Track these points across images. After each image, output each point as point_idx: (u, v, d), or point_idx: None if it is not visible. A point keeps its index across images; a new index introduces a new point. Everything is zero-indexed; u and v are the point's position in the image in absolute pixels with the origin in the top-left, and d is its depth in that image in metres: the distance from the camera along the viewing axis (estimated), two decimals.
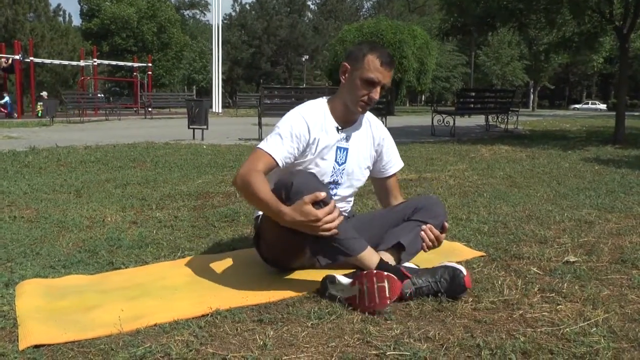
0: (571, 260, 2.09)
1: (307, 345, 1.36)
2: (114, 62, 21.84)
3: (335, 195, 1.98)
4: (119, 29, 24.16)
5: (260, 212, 1.95)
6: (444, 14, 10.16)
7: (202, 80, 28.11)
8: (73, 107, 15.07)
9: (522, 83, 35.97)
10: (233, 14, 46.72)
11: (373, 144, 2.04)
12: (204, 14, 50.68)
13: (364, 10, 57.80)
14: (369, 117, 2.06)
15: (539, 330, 1.46)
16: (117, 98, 19.48)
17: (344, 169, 1.98)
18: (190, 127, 8.23)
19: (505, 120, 11.56)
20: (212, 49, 22.38)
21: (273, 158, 1.81)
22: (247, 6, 47.63)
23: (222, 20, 22.42)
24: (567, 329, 1.45)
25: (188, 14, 39.17)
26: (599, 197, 3.50)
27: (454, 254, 2.21)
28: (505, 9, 7.71)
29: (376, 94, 1.86)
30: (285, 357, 1.28)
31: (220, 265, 2.07)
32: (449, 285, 1.65)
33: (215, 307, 1.58)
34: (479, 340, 1.37)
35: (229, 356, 1.29)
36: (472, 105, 11.44)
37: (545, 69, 34.88)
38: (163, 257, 2.22)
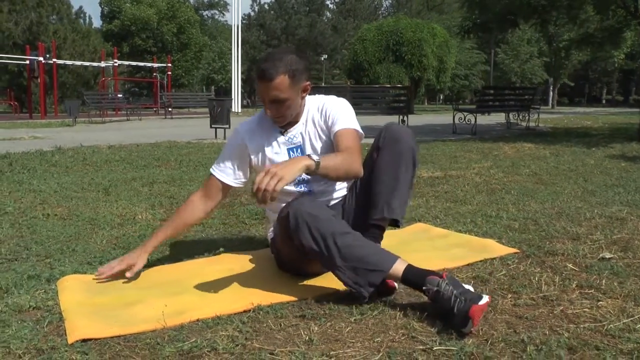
0: (607, 256, 2.07)
1: (353, 341, 1.36)
2: (134, 63, 22.12)
3: (311, 192, 1.93)
4: (139, 30, 24.47)
5: (271, 233, 1.99)
6: (465, 11, 10.08)
7: (221, 80, 28.32)
8: (95, 108, 15.27)
9: (542, 80, 35.51)
10: (252, 14, 46.87)
11: (320, 120, 1.92)
12: (223, 14, 51.03)
13: (382, 9, 57.55)
14: (309, 100, 1.94)
15: (581, 326, 1.45)
16: (137, 98, 19.69)
17: None
18: (213, 126, 8.29)
19: (527, 117, 11.44)
20: (231, 48, 22.52)
21: (217, 179, 1.96)
22: (266, 6, 47.71)
23: (241, 21, 22.49)
24: (611, 325, 1.44)
25: (207, 15, 39.47)
26: (629, 193, 3.45)
27: (486, 250, 2.20)
28: (528, 5, 7.62)
29: (268, 110, 1.80)
30: (332, 352, 1.29)
31: (256, 261, 2.09)
32: (463, 309, 1.39)
33: (256, 302, 1.60)
34: (523, 336, 1.37)
35: (276, 351, 1.31)
36: (492, 103, 11.35)
37: (565, 66, 34.40)
38: (197, 254, 2.24)
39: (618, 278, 1.83)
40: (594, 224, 2.64)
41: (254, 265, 2.06)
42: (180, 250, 2.33)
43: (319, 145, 1.92)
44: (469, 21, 9.49)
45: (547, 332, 1.41)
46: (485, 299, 1.42)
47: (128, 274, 1.88)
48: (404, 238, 2.45)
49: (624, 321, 1.47)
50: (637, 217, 2.75)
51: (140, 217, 2.98)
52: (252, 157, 1.96)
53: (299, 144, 1.92)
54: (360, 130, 1.87)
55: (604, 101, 47.99)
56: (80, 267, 2.06)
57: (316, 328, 1.44)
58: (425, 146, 6.65)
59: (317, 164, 1.56)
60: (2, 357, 1.32)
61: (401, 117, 9.62)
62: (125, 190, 3.80)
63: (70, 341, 1.39)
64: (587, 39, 8.25)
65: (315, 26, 48.06)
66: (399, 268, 1.56)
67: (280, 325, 1.48)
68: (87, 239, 2.50)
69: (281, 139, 1.92)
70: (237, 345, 1.35)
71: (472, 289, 1.51)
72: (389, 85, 18.46)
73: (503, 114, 12.09)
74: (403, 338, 1.38)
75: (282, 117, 1.84)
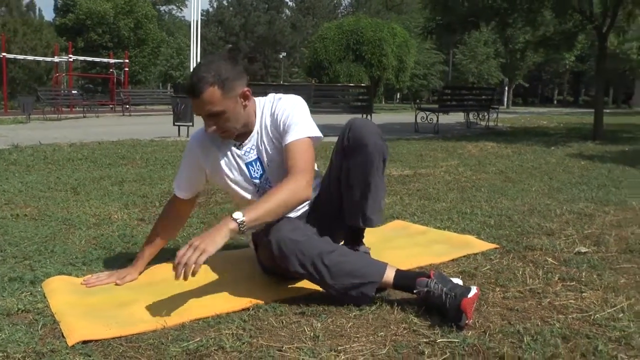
0: (582, 250, 2.17)
1: (357, 335, 1.39)
2: (89, 59, 21.44)
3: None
4: (95, 24, 23.73)
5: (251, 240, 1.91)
6: (427, 12, 10.27)
7: (179, 77, 27.83)
8: (49, 105, 14.77)
9: (498, 81, 36.53)
10: (210, 10, 46.29)
11: (273, 128, 1.78)
12: (181, 9, 50.17)
13: (342, 7, 57.85)
14: (262, 102, 1.82)
15: (570, 316, 1.52)
16: (91, 95, 19.07)
17: (267, 177, 1.81)
18: (176, 124, 8.17)
19: (486, 117, 11.76)
20: (189, 45, 22.13)
21: (175, 192, 1.94)
22: (225, 2, 47.21)
23: (196, 16, 22.14)
24: (597, 315, 1.52)
25: (164, 10, 38.63)
26: (592, 191, 3.62)
27: (468, 246, 2.27)
28: (490, 8, 7.85)
29: (207, 127, 1.70)
30: (340, 347, 1.32)
31: (245, 260, 2.09)
32: (455, 304, 1.45)
33: (255, 301, 1.61)
34: (518, 327, 1.43)
35: (284, 348, 1.32)
36: (454, 102, 11.61)
37: (520, 67, 35.49)
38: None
39: (596, 271, 1.92)
40: (564, 219, 2.75)
41: (244, 263, 2.05)
42: (165, 250, 2.29)
43: (277, 156, 1.77)
44: (432, 22, 9.67)
45: (540, 323, 1.47)
46: (474, 290, 1.47)
47: (119, 282, 1.85)
48: (385, 235, 2.49)
49: (608, 311, 1.55)
50: (603, 213, 2.89)
51: (115, 216, 2.92)
52: (208, 171, 1.87)
53: (255, 158, 1.80)
54: (316, 134, 1.73)
55: (555, 101, 49.76)
56: (64, 268, 2.01)
57: (319, 325, 1.46)
58: (391, 144, 6.75)
59: (242, 223, 1.47)
60: (4, 356, 1.28)
61: (364, 116, 9.72)
62: (94, 190, 3.71)
63: (70, 343, 1.37)
64: (545, 42, 8.57)
65: (274, 24, 47.93)
66: (389, 275, 1.57)
67: (282, 322, 1.49)
68: (64, 240, 2.44)
69: (237, 151, 1.81)
70: (244, 343, 1.35)
71: (460, 282, 1.57)
72: (351, 85, 18.59)
73: (462, 114, 12.39)
74: (405, 332, 1.42)
75: (226, 132, 1.72)
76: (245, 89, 1.70)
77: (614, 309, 1.57)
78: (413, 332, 1.41)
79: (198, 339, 1.38)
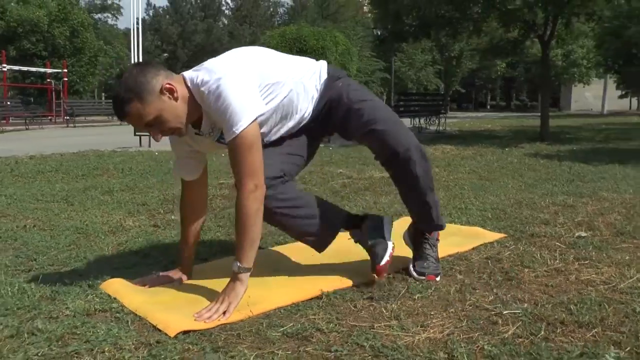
0: (582, 235, 2.45)
1: (432, 313, 1.57)
2: (25, 68, 20.52)
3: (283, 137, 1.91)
4: (27, 32, 22.64)
5: None
6: (378, 22, 10.64)
7: None
8: None
9: (436, 87, 37.92)
10: (146, 18, 45.39)
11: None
12: (117, 17, 48.79)
13: (278, 16, 58.13)
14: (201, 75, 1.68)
15: (599, 287, 1.76)
16: (25, 106, 18.25)
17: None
18: (137, 134, 8.06)
19: (437, 122, 12.29)
20: (128, 54, 21.72)
21: (183, 179, 1.94)
22: (161, 10, 46.44)
23: (135, 25, 21.74)
24: (621, 285, 1.77)
25: (99, 18, 37.43)
26: (563, 185, 3.97)
27: (479, 236, 2.50)
28: (443, 17, 8.30)
29: (154, 136, 1.68)
30: (425, 323, 1.49)
31: (295, 252, 2.20)
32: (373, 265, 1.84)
33: (323, 289, 1.74)
34: (561, 298, 1.66)
35: (375, 326, 1.47)
36: (406, 108, 12.04)
37: (457, 73, 37.04)
38: (219, 254, 2.31)
39: (601, 251, 2.19)
40: (552, 210, 3.05)
41: (295, 255, 2.17)
42: (199, 250, 2.36)
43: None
44: (385, 31, 10.04)
45: (577, 294, 1.70)
46: (387, 258, 1.84)
47: (175, 282, 1.92)
48: (402, 230, 2.67)
49: (629, 281, 1.80)
50: (583, 204, 3.21)
51: (127, 224, 2.95)
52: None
53: (220, 132, 1.76)
54: (246, 122, 1.58)
55: (489, 106, 52.08)
56: (112, 273, 2.05)
57: (393, 306, 1.62)
58: (353, 149, 6.97)
59: (245, 269, 1.65)
60: (116, 352, 1.36)
61: None
62: (87, 200, 3.69)
63: (172, 334, 1.45)
64: (493, 49, 9.14)
65: (211, 32, 47.58)
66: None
67: (357, 306, 1.64)
68: (90, 248, 2.46)
69: (204, 138, 1.81)
70: (337, 324, 1.49)
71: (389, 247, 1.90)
72: None
73: (409, 119, 12.84)
74: (471, 308, 1.61)
75: (174, 131, 1.68)
76: (165, 83, 1.61)
77: (632, 279, 1.82)
78: (477, 308, 1.61)
79: (291, 324, 1.51)
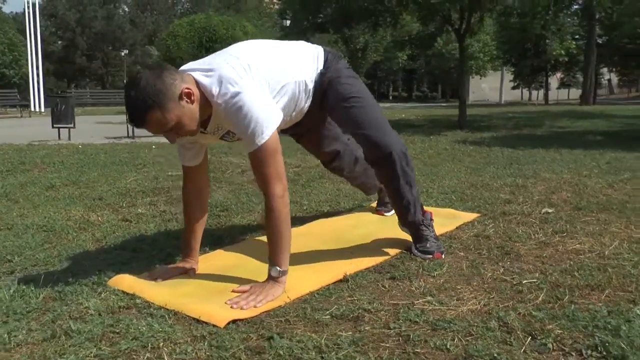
0: (549, 211, 2.68)
1: (458, 288, 1.67)
2: None
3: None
4: None
5: None
6: (296, 12, 10.69)
7: (14, 76, 24.82)
8: None
9: None
10: (40, 2, 41.92)
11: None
12: (4, 2, 44.66)
13: (180, 5, 56.25)
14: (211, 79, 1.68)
15: (589, 255, 1.96)
16: None
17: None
18: (55, 125, 7.54)
19: None
20: (22, 40, 20.07)
21: (184, 165, 1.94)
22: None
23: (29, 9, 20.14)
24: (606, 252, 1.98)
25: None
26: (505, 168, 4.27)
27: (456, 217, 2.65)
28: (366, 9, 8.51)
29: (170, 140, 1.68)
30: (454, 296, 1.59)
31: (314, 237, 2.29)
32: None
33: (347, 272, 1.78)
34: (563, 266, 1.83)
35: (414, 303, 1.55)
36: None
37: (362, 65, 37.96)
38: (212, 245, 2.27)
39: (573, 225, 2.42)
40: (509, 190, 3.29)
41: (304, 242, 2.17)
42: (211, 239, 2.30)
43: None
44: (306, 22, 10.12)
45: (573, 263, 1.88)
46: None
47: (185, 273, 1.88)
48: (376, 218, 2.76)
49: (610, 249, 2.02)
50: (532, 184, 3.49)
51: (93, 219, 2.80)
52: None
53: (227, 131, 1.81)
54: (268, 133, 1.65)
55: (391, 97, 53.94)
56: (111, 268, 1.96)
57: (421, 283, 1.70)
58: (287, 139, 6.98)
59: (285, 272, 1.68)
60: (175, 347, 1.32)
61: None
62: (32, 196, 3.44)
63: (221, 325, 1.43)
64: (410, 41, 9.54)
65: (112, 19, 45.12)
66: None
67: (386, 286, 1.70)
68: (67, 246, 2.31)
69: (211, 137, 1.85)
70: (378, 304, 1.54)
71: None
72: None
73: None
74: (491, 280, 1.73)
75: (189, 132, 1.67)
76: (184, 88, 1.60)
77: (612, 247, 2.04)
78: (496, 280, 1.73)
79: (335, 306, 1.54)
